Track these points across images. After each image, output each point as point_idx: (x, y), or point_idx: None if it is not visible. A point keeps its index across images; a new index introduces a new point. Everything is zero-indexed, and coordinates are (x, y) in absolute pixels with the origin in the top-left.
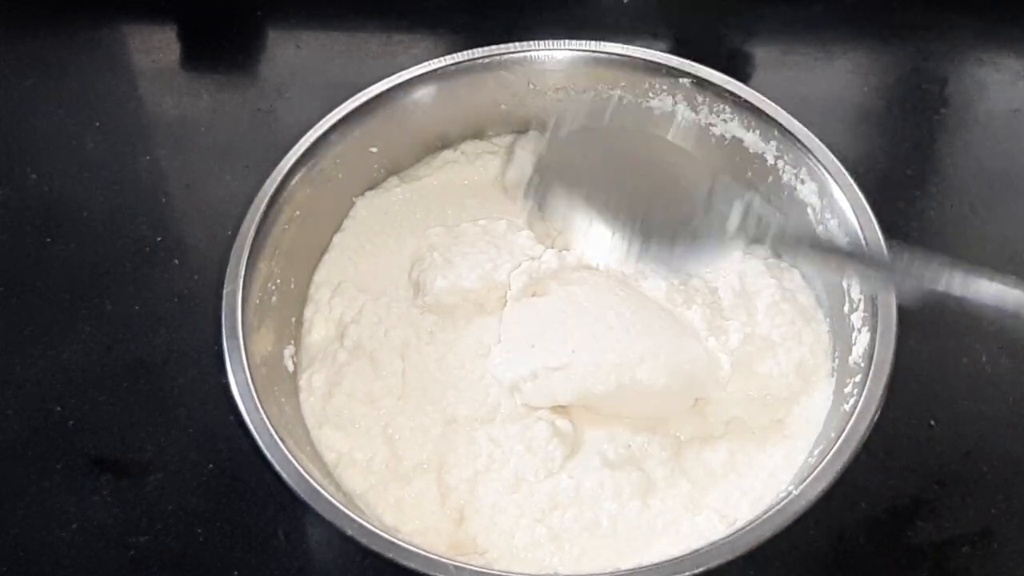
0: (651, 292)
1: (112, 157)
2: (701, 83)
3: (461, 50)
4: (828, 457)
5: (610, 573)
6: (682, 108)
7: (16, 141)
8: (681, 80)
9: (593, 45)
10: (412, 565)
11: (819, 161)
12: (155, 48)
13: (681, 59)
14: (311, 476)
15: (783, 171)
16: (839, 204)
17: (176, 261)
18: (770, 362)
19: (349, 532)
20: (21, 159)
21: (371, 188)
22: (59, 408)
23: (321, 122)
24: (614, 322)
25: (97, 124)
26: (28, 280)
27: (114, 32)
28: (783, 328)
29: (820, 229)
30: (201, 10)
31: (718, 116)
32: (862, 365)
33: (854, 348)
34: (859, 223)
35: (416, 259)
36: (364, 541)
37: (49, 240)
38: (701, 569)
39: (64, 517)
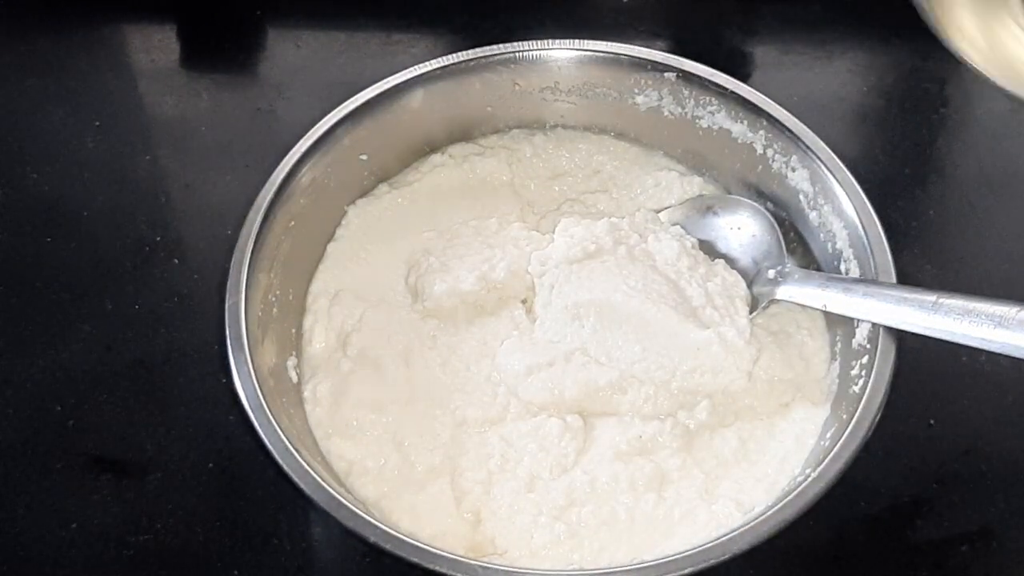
0: (661, 255)
1: (112, 157)
2: (686, 77)
3: (461, 50)
4: (843, 438)
5: (635, 566)
6: (668, 102)
7: (16, 141)
8: (666, 75)
9: (577, 44)
10: (438, 568)
11: (809, 148)
12: (155, 48)
13: (665, 54)
14: (329, 486)
15: (773, 160)
16: (832, 189)
17: (176, 261)
18: (772, 346)
19: (372, 539)
20: (21, 159)
21: (362, 196)
22: (59, 408)
23: (311, 131)
24: (623, 317)
25: (97, 124)
26: (28, 280)
27: (114, 32)
28: (779, 314)
29: (813, 215)
30: (201, 10)
31: (704, 108)
32: (868, 347)
33: (858, 331)
34: (854, 206)
35: (412, 264)
36: (388, 547)
37: (49, 240)
38: (727, 556)
39: (64, 517)
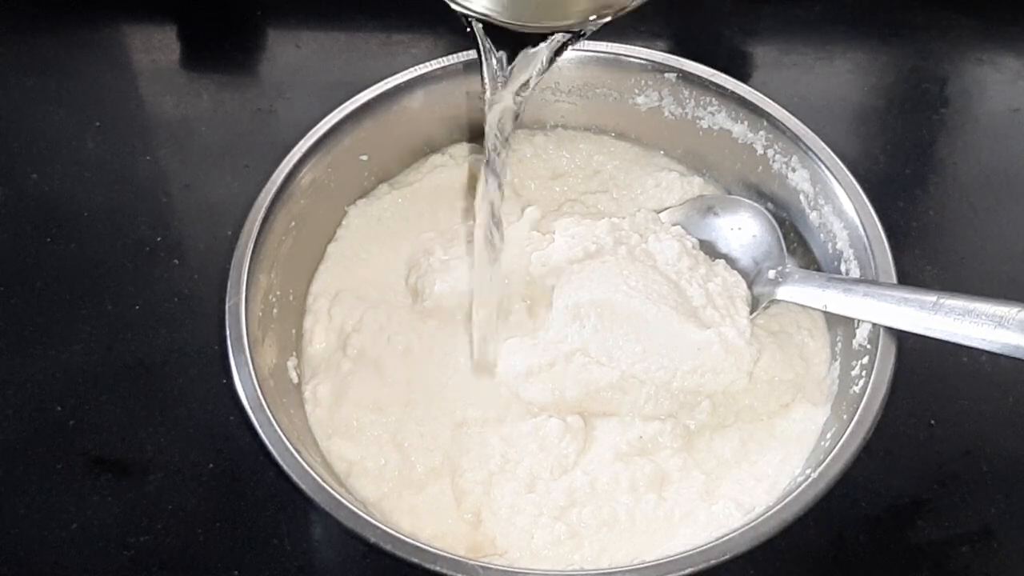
0: (661, 255)
1: (112, 157)
2: (687, 77)
3: (461, 50)
4: (844, 438)
5: (636, 566)
6: (669, 103)
7: (16, 141)
8: (667, 75)
9: (577, 44)
10: (438, 568)
11: (809, 148)
12: (155, 48)
13: (665, 54)
14: (330, 486)
15: (773, 160)
16: (832, 190)
17: (176, 261)
18: (772, 346)
19: (372, 539)
20: (21, 159)
21: (362, 196)
22: (59, 408)
23: (311, 132)
24: (623, 317)
25: (97, 124)
26: (28, 280)
27: (114, 32)
28: (779, 315)
29: (813, 216)
30: (201, 10)
31: (705, 109)
32: (868, 347)
33: (858, 332)
34: (854, 207)
35: (412, 264)
36: (389, 547)
37: (49, 240)
38: (727, 556)
39: (64, 517)
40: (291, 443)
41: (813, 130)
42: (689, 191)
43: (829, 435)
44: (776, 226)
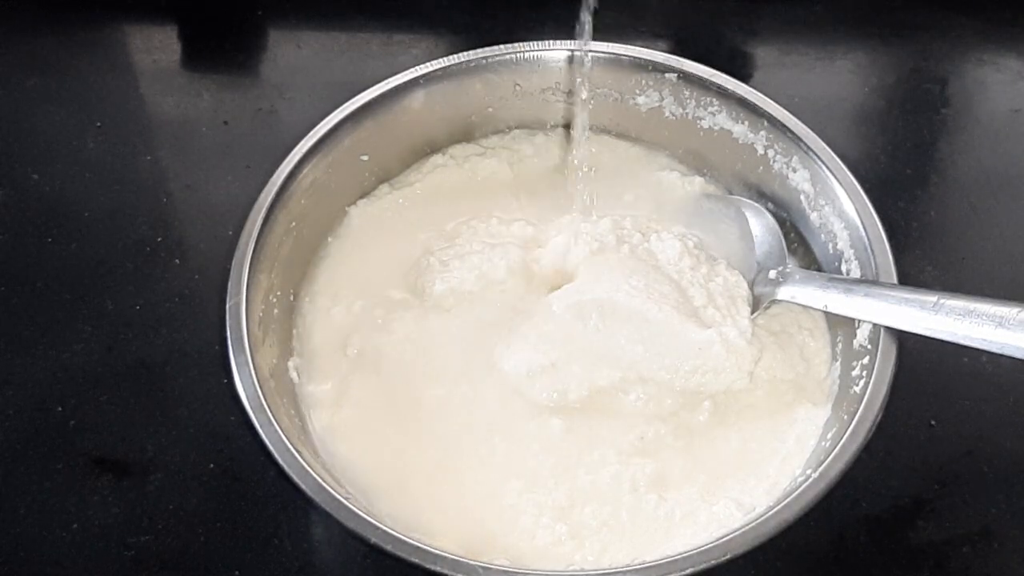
0: (663, 254)
1: (112, 157)
2: (687, 77)
3: (462, 50)
4: (844, 438)
5: (636, 566)
6: (669, 103)
7: (17, 141)
8: (667, 75)
9: (578, 44)
10: (438, 568)
11: (810, 149)
12: (155, 48)
13: (666, 55)
14: (330, 486)
15: (773, 160)
16: (833, 190)
17: (177, 261)
18: (773, 346)
19: (373, 539)
20: (22, 159)
21: (363, 196)
22: (59, 408)
23: (312, 132)
24: (625, 316)
25: (98, 124)
26: (28, 280)
27: (114, 32)
28: (780, 315)
29: (814, 216)
30: (201, 10)
31: (705, 109)
32: (869, 347)
33: (859, 332)
34: (855, 207)
35: (412, 264)
36: (389, 547)
37: (49, 240)
38: (728, 556)
39: (64, 517)
40: (291, 443)
41: (814, 130)
42: (690, 191)
43: (830, 435)
44: (777, 226)
